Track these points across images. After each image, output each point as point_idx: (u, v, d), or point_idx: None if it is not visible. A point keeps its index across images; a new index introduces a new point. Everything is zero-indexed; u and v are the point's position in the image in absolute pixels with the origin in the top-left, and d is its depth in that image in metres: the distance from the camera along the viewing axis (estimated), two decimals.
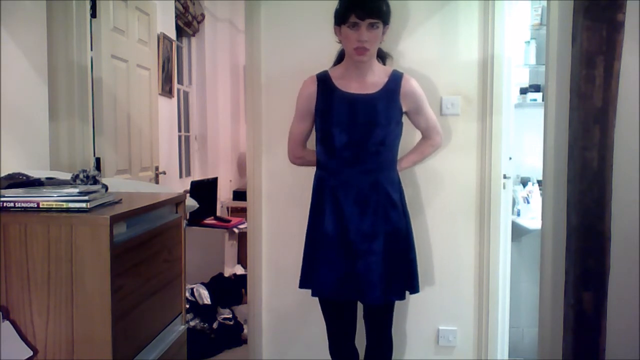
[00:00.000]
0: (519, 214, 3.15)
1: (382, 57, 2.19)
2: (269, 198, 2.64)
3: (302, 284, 2.10)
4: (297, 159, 2.24)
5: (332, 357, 2.20)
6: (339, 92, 2.04)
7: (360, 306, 2.16)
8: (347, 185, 2.03)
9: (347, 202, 2.02)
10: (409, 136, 2.29)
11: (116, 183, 1.98)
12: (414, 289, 2.12)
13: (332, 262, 2.02)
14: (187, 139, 5.33)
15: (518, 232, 2.98)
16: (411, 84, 2.09)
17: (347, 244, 2.01)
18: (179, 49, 4.98)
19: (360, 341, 2.20)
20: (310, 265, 2.08)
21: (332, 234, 2.03)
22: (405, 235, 2.09)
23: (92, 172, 1.63)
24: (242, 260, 4.37)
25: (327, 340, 2.20)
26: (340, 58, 2.14)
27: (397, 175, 2.13)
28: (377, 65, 2.09)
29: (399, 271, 2.06)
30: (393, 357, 2.36)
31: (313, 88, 2.09)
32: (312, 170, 2.35)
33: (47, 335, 1.43)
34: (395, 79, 2.07)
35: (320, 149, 2.09)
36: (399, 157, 2.17)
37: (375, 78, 2.05)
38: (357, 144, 2.01)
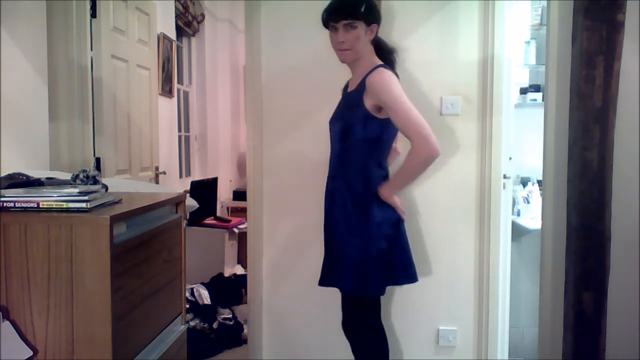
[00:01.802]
0: (519, 214, 3.15)
1: (386, 51, 2.15)
2: (269, 198, 2.64)
3: None
4: None
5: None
6: (344, 92, 2.21)
7: None
8: (329, 177, 2.17)
9: (326, 195, 2.18)
10: None
11: (116, 183, 1.98)
12: (351, 289, 2.09)
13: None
14: (187, 139, 5.33)
15: (518, 232, 2.98)
16: (373, 77, 1.98)
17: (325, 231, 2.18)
18: (179, 49, 4.98)
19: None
20: None
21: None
22: (363, 234, 2.03)
23: (92, 172, 1.63)
24: (242, 260, 4.37)
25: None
26: None
27: (364, 176, 2.05)
28: (368, 63, 2.07)
29: (333, 265, 2.11)
30: (393, 358, 2.36)
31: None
32: (311, 171, 2.35)
33: (47, 335, 1.43)
34: (368, 74, 2.01)
35: None
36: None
37: (360, 76, 2.06)
38: (332, 141, 2.15)
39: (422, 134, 1.90)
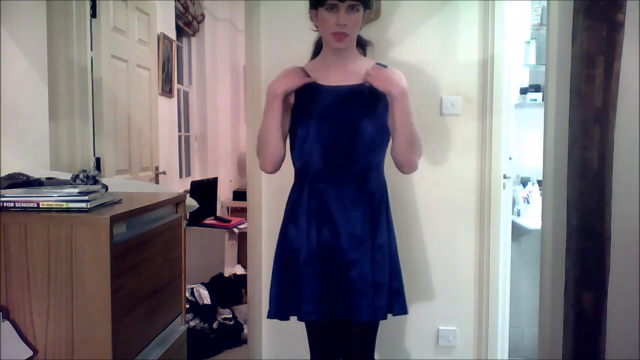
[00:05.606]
0: (519, 214, 3.15)
1: (362, 45, 1.96)
2: (269, 198, 2.64)
3: (277, 313, 1.86)
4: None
5: None
6: (318, 86, 1.83)
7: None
8: (335, 189, 1.79)
9: (335, 209, 1.79)
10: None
11: (116, 183, 1.98)
12: (397, 309, 1.84)
13: (316, 277, 1.80)
14: (187, 139, 5.33)
15: (518, 232, 2.98)
16: (394, 72, 1.81)
17: (334, 255, 1.79)
18: (179, 49, 4.98)
19: None
20: (288, 288, 1.85)
21: (314, 246, 1.81)
22: (389, 248, 1.84)
23: (92, 172, 1.63)
24: (242, 260, 4.37)
25: None
26: (317, 51, 1.95)
27: (384, 180, 1.89)
28: (358, 55, 1.89)
29: (382, 287, 1.80)
30: (393, 358, 2.36)
31: None
32: None
33: (47, 335, 1.42)
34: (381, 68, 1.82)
35: (299, 152, 1.85)
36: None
37: (357, 67, 1.83)
38: (344, 141, 1.78)
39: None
